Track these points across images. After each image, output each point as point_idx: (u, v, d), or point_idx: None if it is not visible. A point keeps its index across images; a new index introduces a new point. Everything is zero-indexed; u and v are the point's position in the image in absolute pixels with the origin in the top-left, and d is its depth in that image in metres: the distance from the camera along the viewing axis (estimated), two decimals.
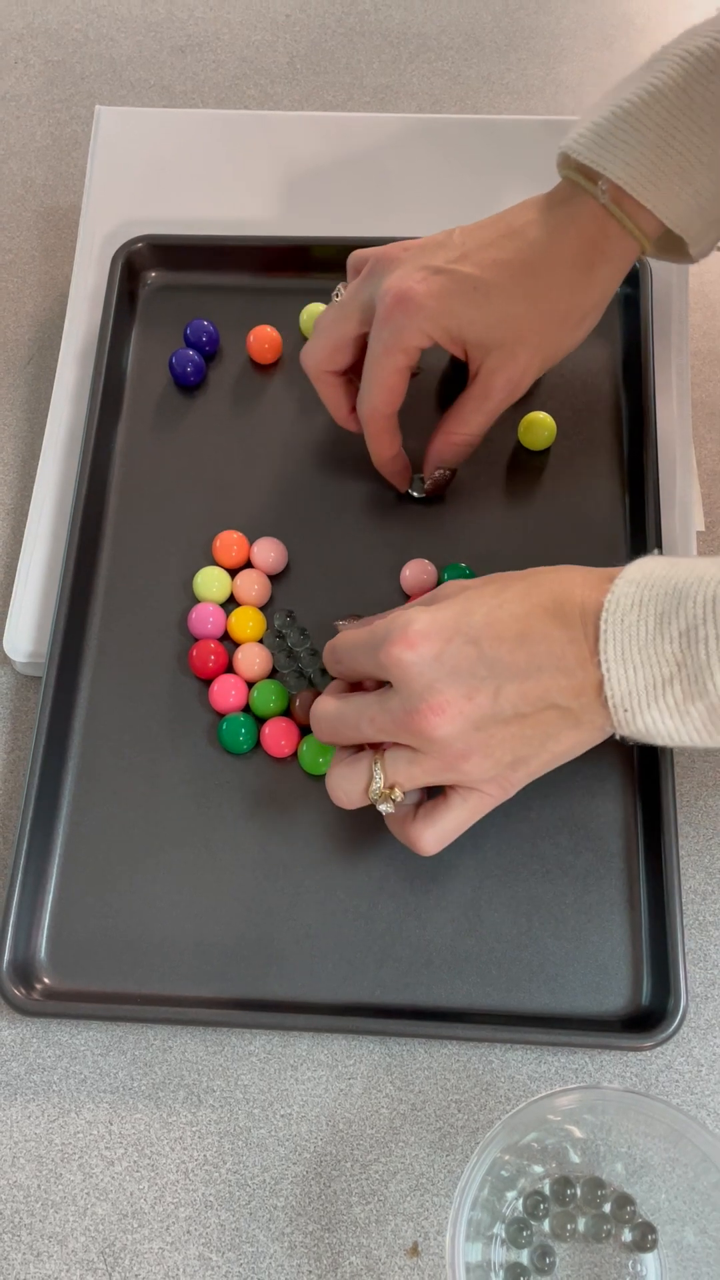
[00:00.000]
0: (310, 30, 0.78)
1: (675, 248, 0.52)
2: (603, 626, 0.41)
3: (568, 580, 0.44)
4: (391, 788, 0.45)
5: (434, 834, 0.46)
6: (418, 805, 0.47)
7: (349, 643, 0.47)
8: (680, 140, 0.47)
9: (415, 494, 0.58)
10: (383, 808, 0.46)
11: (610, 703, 0.41)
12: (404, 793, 0.46)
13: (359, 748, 0.48)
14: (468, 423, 0.53)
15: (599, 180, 0.49)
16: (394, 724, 0.44)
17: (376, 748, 0.46)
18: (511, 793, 0.46)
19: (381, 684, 0.47)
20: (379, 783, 0.45)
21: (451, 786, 0.46)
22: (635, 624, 0.41)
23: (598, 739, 0.45)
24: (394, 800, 0.46)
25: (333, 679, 0.51)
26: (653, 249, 0.51)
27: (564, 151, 0.50)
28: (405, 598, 0.56)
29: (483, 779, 0.45)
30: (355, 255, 0.55)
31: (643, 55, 0.76)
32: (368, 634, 0.46)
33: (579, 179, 0.50)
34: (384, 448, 0.55)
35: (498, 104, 0.75)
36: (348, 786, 0.47)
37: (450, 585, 0.47)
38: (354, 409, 0.55)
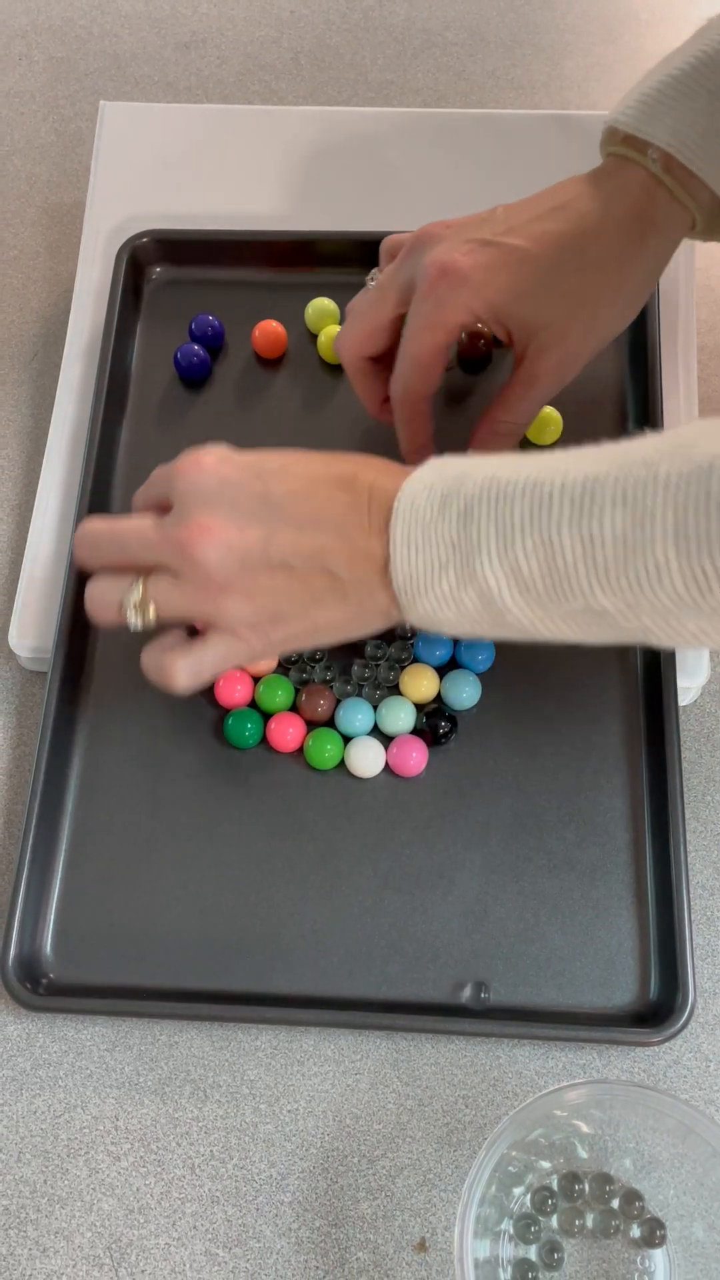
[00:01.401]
0: (314, 26, 0.78)
1: None
2: (395, 505, 0.41)
3: (368, 462, 0.44)
4: (147, 604, 0.45)
5: (186, 665, 0.46)
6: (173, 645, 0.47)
7: (159, 470, 0.47)
8: None
9: None
10: (132, 619, 0.46)
11: (395, 585, 0.42)
12: (157, 615, 0.45)
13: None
14: (513, 410, 0.51)
15: (649, 150, 0.47)
16: (162, 539, 0.44)
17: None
18: (270, 652, 0.46)
19: None
20: (136, 594, 0.45)
21: (209, 627, 0.46)
22: (424, 506, 0.41)
23: (371, 622, 0.45)
24: (147, 618, 0.45)
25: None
26: (704, 223, 0.49)
27: (610, 125, 0.49)
28: None
29: (241, 622, 0.44)
30: (390, 240, 0.53)
31: (648, 50, 0.76)
32: (166, 466, 0.46)
33: (627, 151, 0.48)
34: (416, 433, 0.52)
35: (502, 99, 0.75)
36: (104, 596, 0.46)
37: None
38: (389, 398, 0.53)
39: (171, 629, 0.48)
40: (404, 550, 0.41)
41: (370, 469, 0.44)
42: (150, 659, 0.48)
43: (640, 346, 0.60)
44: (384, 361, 0.53)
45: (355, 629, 0.45)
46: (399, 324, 0.51)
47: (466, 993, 0.49)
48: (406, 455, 0.54)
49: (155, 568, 0.45)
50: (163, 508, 0.46)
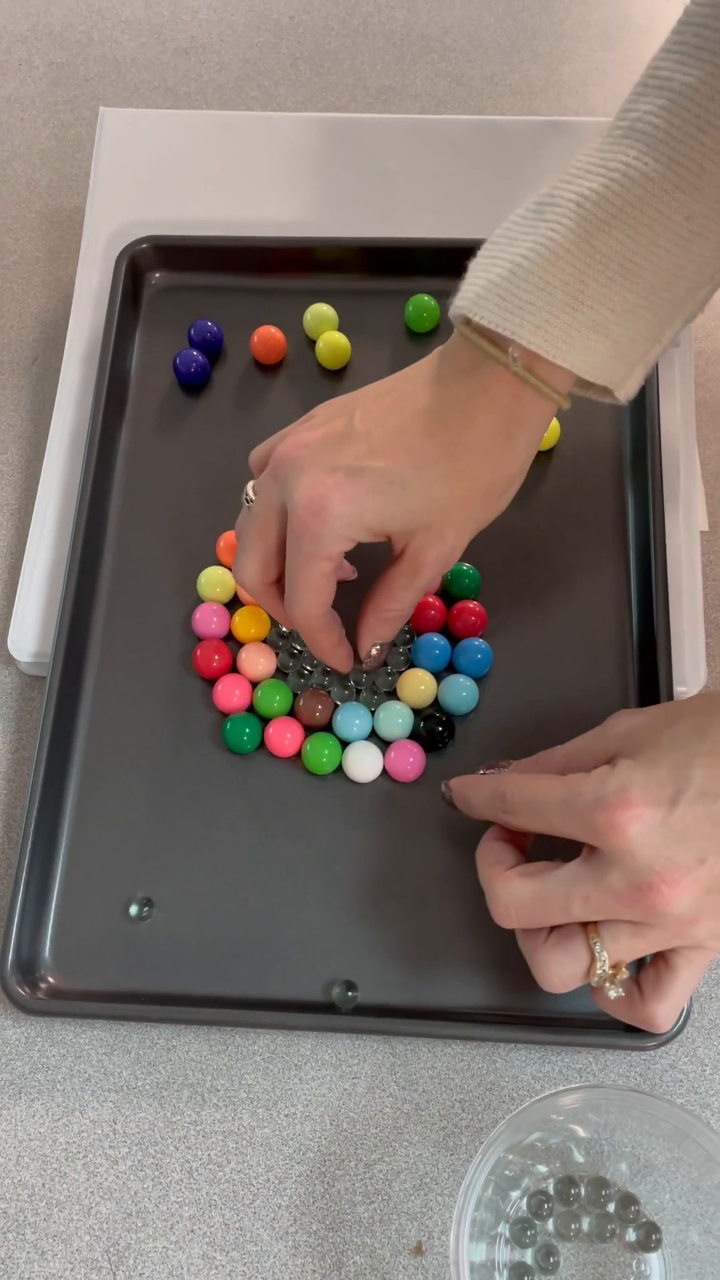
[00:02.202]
0: (313, 31, 0.78)
1: (595, 390, 0.47)
2: None
3: None
4: (616, 967, 0.42)
5: (669, 1006, 0.43)
6: (634, 978, 0.44)
7: (533, 795, 0.43)
8: (590, 296, 0.43)
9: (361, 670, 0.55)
10: (611, 993, 0.43)
11: None
12: (628, 969, 0.43)
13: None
14: (398, 600, 0.49)
15: (509, 347, 0.44)
16: (617, 902, 0.40)
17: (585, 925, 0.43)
18: None
19: (540, 836, 0.45)
20: (604, 966, 0.42)
21: (673, 949, 0.43)
22: None
23: None
24: (620, 980, 0.42)
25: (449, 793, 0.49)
26: (567, 402, 0.47)
27: (463, 314, 0.45)
28: None
29: (710, 937, 0.41)
30: (253, 455, 0.51)
31: (645, 56, 0.75)
32: (565, 790, 0.42)
33: (484, 344, 0.45)
34: (323, 641, 0.50)
35: (501, 105, 0.75)
36: (563, 972, 0.43)
37: (623, 721, 0.43)
38: None
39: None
40: None
41: None
42: (622, 1014, 0.44)
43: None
44: (282, 581, 0.50)
45: None
46: (283, 545, 0.49)
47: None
48: (320, 658, 0.52)
49: (602, 920, 0.42)
50: (553, 830, 0.43)
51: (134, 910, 0.50)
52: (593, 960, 0.42)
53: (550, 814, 0.42)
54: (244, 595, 0.57)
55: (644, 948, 0.42)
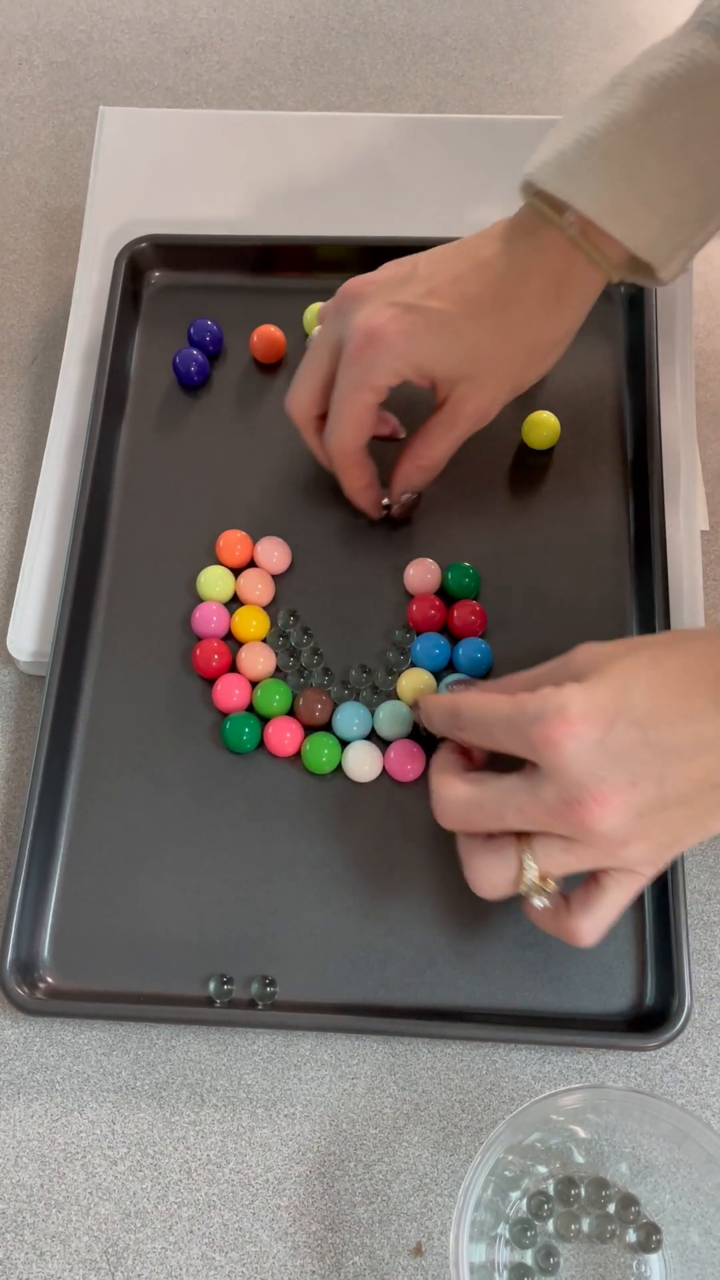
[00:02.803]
0: (314, 31, 0.78)
1: (642, 271, 0.50)
2: None
3: (699, 647, 0.42)
4: (544, 879, 0.43)
5: (594, 923, 0.44)
6: (563, 893, 0.45)
7: (482, 712, 0.44)
8: (647, 169, 0.46)
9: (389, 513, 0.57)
10: (537, 902, 0.44)
11: None
12: (556, 883, 0.44)
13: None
14: (434, 448, 0.53)
15: (565, 212, 0.48)
16: (548, 815, 0.41)
17: (519, 834, 0.43)
18: (664, 867, 0.44)
19: (494, 755, 0.45)
20: (532, 875, 0.43)
21: (604, 870, 0.43)
22: None
23: None
24: (547, 891, 0.43)
25: (423, 731, 0.50)
26: (620, 275, 0.50)
27: (528, 180, 0.48)
28: (408, 597, 0.56)
29: (642, 862, 0.42)
30: (321, 307, 0.54)
31: None
32: (510, 707, 0.42)
33: (544, 209, 0.48)
34: (355, 479, 0.54)
35: (501, 104, 0.75)
36: (493, 877, 0.44)
37: (586, 651, 0.43)
38: None
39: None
40: None
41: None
42: (548, 925, 0.45)
43: (638, 351, 0.60)
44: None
45: None
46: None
47: (253, 988, 0.50)
48: (350, 497, 0.55)
49: (536, 832, 0.43)
50: (503, 751, 0.44)
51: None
52: (521, 869, 0.43)
53: (495, 730, 0.43)
54: (244, 594, 0.57)
55: (574, 864, 0.42)
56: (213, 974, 0.50)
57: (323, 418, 0.53)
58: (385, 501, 0.56)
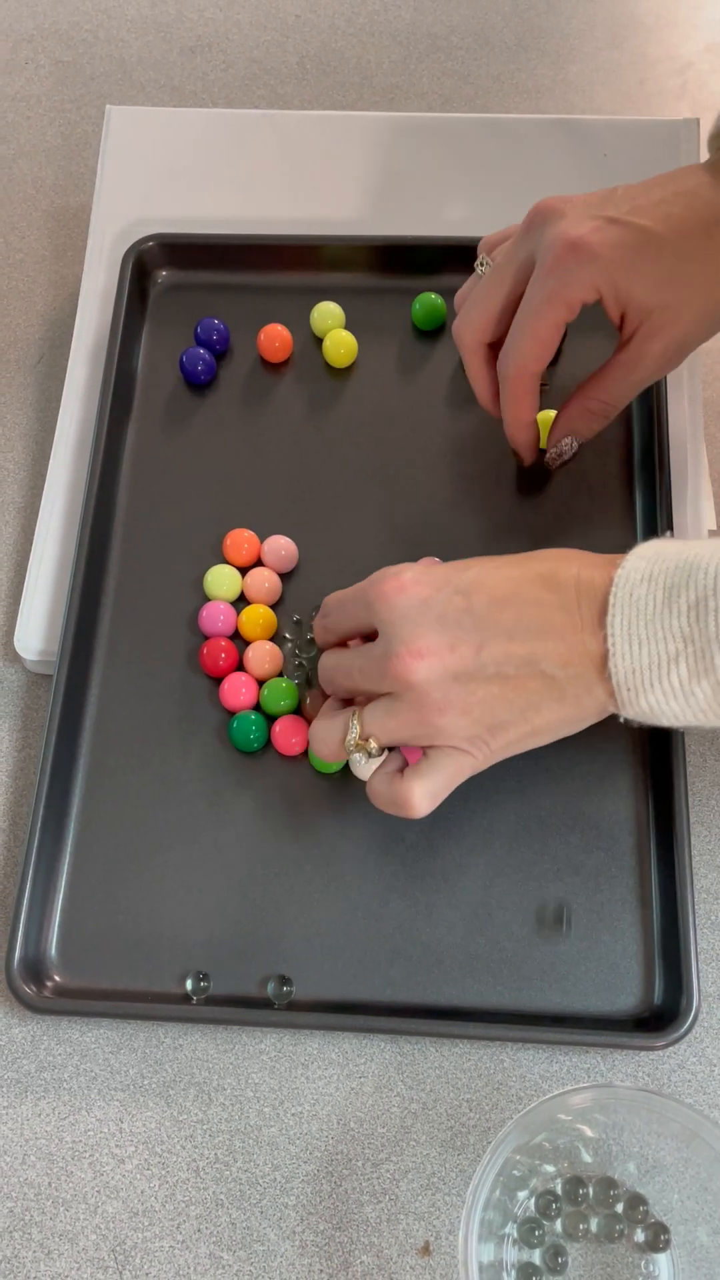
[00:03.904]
0: (320, 30, 0.78)
1: None
2: (611, 600, 0.41)
3: (565, 556, 0.44)
4: (366, 739, 0.45)
5: (421, 788, 0.45)
6: (399, 771, 0.47)
7: (339, 597, 0.48)
8: None
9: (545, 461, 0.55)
10: (355, 757, 0.47)
11: (614, 680, 0.41)
12: (380, 747, 0.46)
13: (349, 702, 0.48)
14: (610, 391, 0.51)
15: None
16: (376, 668, 0.44)
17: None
18: (493, 759, 0.46)
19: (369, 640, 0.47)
20: (354, 733, 0.46)
21: (431, 746, 0.45)
22: (644, 598, 0.40)
23: (586, 719, 0.44)
24: (368, 753, 0.46)
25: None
26: None
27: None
28: None
29: (461, 737, 0.44)
30: (487, 239, 0.52)
31: (652, 55, 0.76)
32: (358, 586, 0.46)
33: None
34: (523, 410, 0.52)
35: (507, 103, 0.75)
36: (326, 736, 0.47)
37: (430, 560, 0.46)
38: None
39: (392, 752, 0.47)
40: (626, 644, 0.40)
41: (570, 563, 0.43)
42: (381, 791, 0.47)
43: None
44: (499, 348, 0.52)
45: (572, 727, 0.45)
46: (517, 306, 0.50)
47: (269, 987, 0.50)
48: (512, 432, 0.53)
49: (375, 696, 0.46)
50: (362, 633, 0.47)
51: (270, 988, 0.50)
52: (347, 729, 0.46)
53: (348, 606, 0.47)
54: (251, 593, 0.56)
55: (396, 728, 0.44)
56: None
57: (494, 346, 0.51)
58: (543, 447, 0.54)
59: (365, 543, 0.58)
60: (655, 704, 0.41)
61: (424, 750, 0.46)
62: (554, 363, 0.58)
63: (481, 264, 0.52)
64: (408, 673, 0.43)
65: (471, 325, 0.51)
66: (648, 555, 0.41)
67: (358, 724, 0.46)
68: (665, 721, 0.41)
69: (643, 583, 0.40)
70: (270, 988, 0.49)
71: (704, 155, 0.52)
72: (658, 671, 0.40)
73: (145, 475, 0.60)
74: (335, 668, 0.48)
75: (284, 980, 0.49)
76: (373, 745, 0.45)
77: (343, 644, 0.50)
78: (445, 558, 0.56)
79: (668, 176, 0.49)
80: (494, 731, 0.44)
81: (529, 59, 0.76)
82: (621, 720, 0.43)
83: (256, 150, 0.68)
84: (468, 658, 0.42)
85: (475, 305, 0.51)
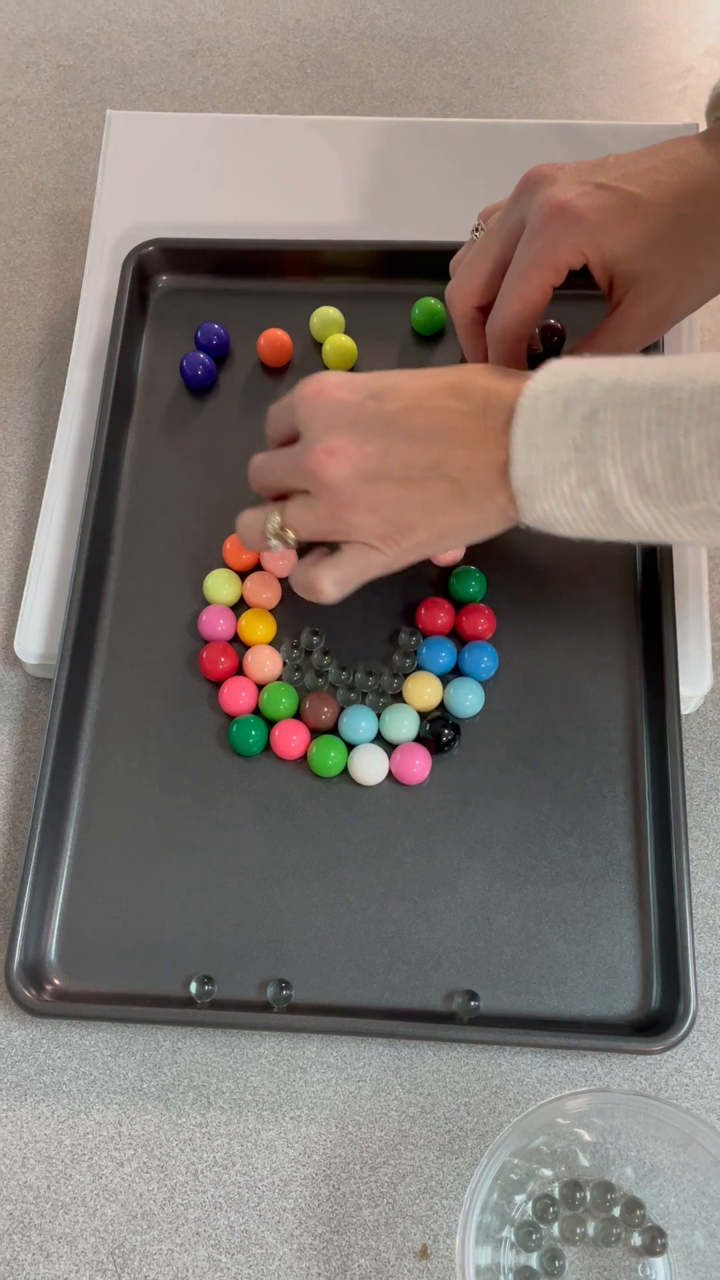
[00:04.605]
0: (320, 35, 0.78)
1: None
2: (517, 411, 0.42)
3: (475, 370, 0.46)
4: (284, 529, 0.48)
5: (331, 575, 0.48)
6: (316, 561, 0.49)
7: (275, 407, 0.50)
8: None
9: None
10: (272, 543, 0.49)
11: (514, 486, 0.43)
12: (295, 539, 0.49)
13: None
14: (597, 353, 0.50)
15: None
16: (294, 465, 0.47)
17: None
18: (404, 560, 0.48)
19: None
20: (274, 521, 0.49)
21: (344, 543, 0.48)
22: (545, 409, 0.42)
23: (491, 524, 0.46)
24: (286, 541, 0.49)
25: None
26: None
27: (718, 93, 0.50)
28: (415, 600, 0.56)
29: (371, 534, 0.47)
30: (486, 208, 0.53)
31: (652, 59, 0.76)
32: (292, 391, 0.48)
33: None
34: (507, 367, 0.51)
35: (508, 108, 0.75)
36: (250, 526, 0.50)
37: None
38: None
39: (315, 548, 0.51)
40: (525, 452, 0.42)
41: (482, 375, 0.45)
42: (297, 576, 0.50)
43: (646, 353, 0.60)
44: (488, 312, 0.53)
45: (478, 532, 0.47)
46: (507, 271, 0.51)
47: (456, 1002, 0.50)
48: None
49: (294, 492, 0.48)
50: (291, 437, 0.49)
51: (194, 988, 0.50)
52: (268, 518, 0.49)
53: (280, 410, 0.50)
54: (251, 598, 0.57)
55: (311, 520, 0.48)
56: (468, 986, 0.50)
57: (484, 310, 0.53)
58: None
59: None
60: (548, 510, 0.43)
61: (340, 544, 0.49)
62: (559, 344, 0.58)
63: (476, 229, 0.53)
64: (320, 469, 0.45)
65: (462, 289, 0.53)
66: (555, 369, 0.43)
67: (278, 515, 0.49)
68: (561, 530, 0.43)
69: (545, 395, 0.42)
70: (269, 991, 0.50)
71: (703, 127, 0.52)
72: (551, 478, 0.42)
73: (145, 479, 0.60)
74: (261, 466, 0.51)
75: (283, 984, 0.50)
76: (290, 536, 0.49)
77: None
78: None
79: (660, 146, 0.50)
80: (402, 531, 0.46)
81: (529, 63, 0.76)
82: (523, 527, 0.45)
83: (257, 155, 0.68)
84: (375, 458, 0.45)
85: (466, 269, 0.52)
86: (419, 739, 0.54)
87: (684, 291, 0.50)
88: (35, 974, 0.50)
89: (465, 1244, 0.41)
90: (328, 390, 0.46)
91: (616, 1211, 0.46)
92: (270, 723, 0.54)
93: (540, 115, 0.74)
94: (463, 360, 0.56)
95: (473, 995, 0.49)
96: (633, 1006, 0.50)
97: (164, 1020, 0.50)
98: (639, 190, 0.48)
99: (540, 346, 0.57)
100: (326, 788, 0.53)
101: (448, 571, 0.57)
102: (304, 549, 0.51)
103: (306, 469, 0.46)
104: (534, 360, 0.56)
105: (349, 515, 0.46)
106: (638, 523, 0.42)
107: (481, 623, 0.55)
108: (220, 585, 0.57)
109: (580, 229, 0.48)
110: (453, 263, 0.54)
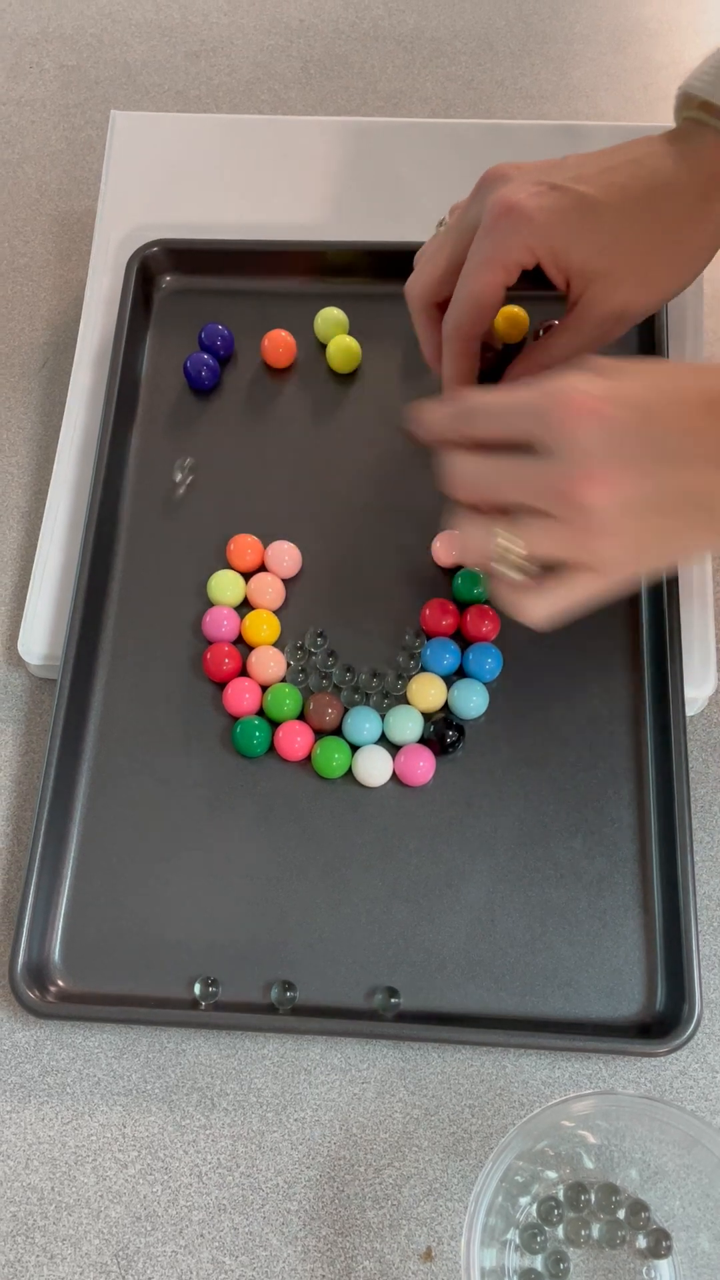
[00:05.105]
0: (323, 35, 0.78)
1: None
2: None
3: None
4: (520, 554, 0.44)
5: (546, 606, 0.45)
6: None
7: (494, 403, 0.45)
8: None
9: None
10: (500, 568, 0.45)
11: None
12: (529, 558, 0.44)
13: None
14: (553, 349, 0.51)
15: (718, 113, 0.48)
16: (546, 486, 0.42)
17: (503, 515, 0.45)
18: (622, 583, 0.45)
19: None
20: (515, 549, 0.44)
21: (574, 565, 0.44)
22: None
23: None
24: (522, 569, 0.45)
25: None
26: None
27: (685, 91, 0.49)
28: (420, 601, 0.56)
29: (612, 563, 0.44)
30: (456, 204, 0.53)
31: (656, 60, 0.76)
32: (533, 391, 0.43)
33: (703, 116, 0.49)
34: (461, 369, 0.51)
35: (511, 108, 0.75)
36: (474, 543, 0.46)
37: (599, 358, 0.44)
38: None
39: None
40: None
41: None
42: (509, 601, 0.46)
43: (649, 355, 0.60)
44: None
45: (704, 555, 0.46)
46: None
47: (273, 993, 0.50)
48: (449, 390, 0.53)
49: (524, 508, 0.44)
50: (514, 442, 0.44)
51: (198, 989, 0.50)
52: (498, 541, 0.44)
53: (510, 416, 0.44)
54: (255, 598, 0.57)
55: (550, 545, 0.44)
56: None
57: (441, 307, 0.52)
58: None
59: (368, 548, 0.58)
60: None
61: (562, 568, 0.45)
62: (520, 344, 0.58)
63: (440, 224, 0.53)
64: (584, 496, 0.41)
65: (418, 287, 0.52)
66: None
67: (518, 542, 0.44)
68: None
69: None
70: (273, 993, 0.50)
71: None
72: None
73: (149, 480, 0.60)
74: (483, 475, 0.45)
75: (287, 985, 0.50)
76: (518, 553, 0.44)
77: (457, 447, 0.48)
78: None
79: (621, 145, 0.50)
80: (641, 559, 0.44)
81: (532, 64, 0.76)
82: None
83: (261, 155, 0.68)
84: (648, 493, 0.41)
85: (424, 265, 0.52)
86: (423, 740, 0.54)
87: (641, 292, 0.49)
88: (39, 975, 0.50)
89: (470, 1246, 0.41)
90: (602, 409, 0.41)
91: (621, 1214, 0.46)
92: (274, 724, 0.54)
93: (544, 116, 0.74)
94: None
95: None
96: (638, 1008, 0.49)
97: (168, 1022, 0.50)
98: (591, 191, 0.47)
99: (499, 345, 0.57)
100: (330, 789, 0.53)
101: (452, 573, 0.57)
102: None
103: (566, 494, 0.42)
104: (500, 359, 0.57)
105: (597, 544, 0.42)
106: None
107: (486, 624, 0.55)
108: (224, 586, 0.57)
109: (529, 229, 0.47)
110: (416, 257, 0.54)
